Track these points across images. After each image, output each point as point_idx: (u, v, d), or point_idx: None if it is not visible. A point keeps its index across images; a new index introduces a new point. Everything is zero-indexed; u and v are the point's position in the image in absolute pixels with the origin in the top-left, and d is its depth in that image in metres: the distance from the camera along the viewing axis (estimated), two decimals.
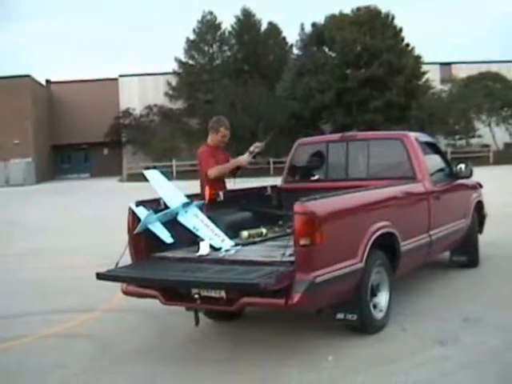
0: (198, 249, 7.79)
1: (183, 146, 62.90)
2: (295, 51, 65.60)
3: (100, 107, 71.35)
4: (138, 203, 7.91)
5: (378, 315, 7.94)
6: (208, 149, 9.69)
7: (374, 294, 7.90)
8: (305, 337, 7.88)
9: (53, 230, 21.95)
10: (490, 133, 62.53)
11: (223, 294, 6.88)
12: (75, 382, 6.95)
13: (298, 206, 6.73)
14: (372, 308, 7.80)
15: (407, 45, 59.42)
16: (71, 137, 73.16)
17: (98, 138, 70.33)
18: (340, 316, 7.59)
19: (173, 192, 8.50)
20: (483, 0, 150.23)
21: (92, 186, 52.69)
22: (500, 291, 9.85)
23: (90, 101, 72.58)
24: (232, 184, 9.82)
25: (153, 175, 8.85)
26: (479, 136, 62.28)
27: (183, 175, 52.45)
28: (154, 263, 7.80)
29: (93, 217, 25.70)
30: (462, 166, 10.83)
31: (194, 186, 9.82)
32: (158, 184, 8.64)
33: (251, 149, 9.77)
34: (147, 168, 9.40)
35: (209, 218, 8.36)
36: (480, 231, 11.99)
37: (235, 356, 7.41)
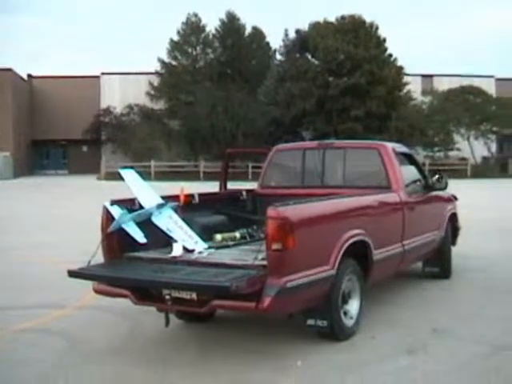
0: (171, 250, 7.81)
1: (163, 147, 62.82)
2: (278, 57, 65.68)
3: (81, 104, 71.05)
4: (113, 202, 7.91)
5: (349, 322, 7.98)
6: None
7: (345, 301, 7.93)
8: (275, 341, 7.90)
9: (30, 225, 21.87)
10: (469, 146, 62.90)
11: (194, 295, 6.91)
12: (44, 378, 6.92)
13: (271, 211, 6.76)
14: (343, 315, 7.84)
15: (390, 55, 59.54)
16: (51, 132, 72.76)
17: (78, 135, 69.94)
18: (311, 322, 7.62)
19: (148, 192, 8.50)
20: (467, 14, 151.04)
21: (70, 182, 52.46)
22: (470, 303, 9.94)
23: (71, 97, 72.26)
24: None
25: (129, 175, 8.83)
26: (458, 149, 62.57)
27: (162, 176, 52.49)
28: (126, 263, 7.80)
29: (71, 213, 25.62)
30: (438, 177, 10.91)
31: (173, 187, 9.81)
32: (134, 184, 8.63)
33: None
34: (124, 167, 9.36)
35: (183, 219, 8.38)
36: (453, 243, 12.08)
37: (206, 358, 7.41)
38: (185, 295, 6.95)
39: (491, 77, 73.64)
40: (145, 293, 7.33)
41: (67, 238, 17.64)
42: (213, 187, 11.09)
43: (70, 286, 9.39)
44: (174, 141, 63.42)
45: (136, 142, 62.17)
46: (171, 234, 8.13)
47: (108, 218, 7.82)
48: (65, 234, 18.84)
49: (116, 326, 8.90)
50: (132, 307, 7.92)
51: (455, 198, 12.33)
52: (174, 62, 67.95)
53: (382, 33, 59.83)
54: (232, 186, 11.24)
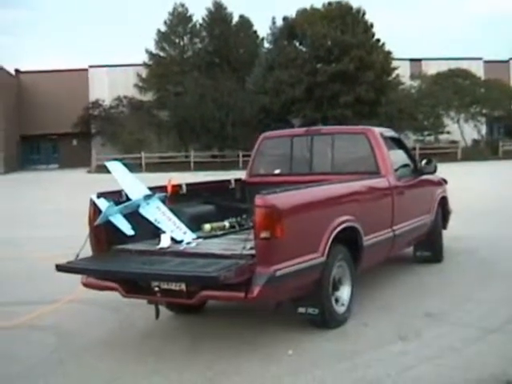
0: (160, 241, 7.76)
1: (153, 138, 62.71)
2: (266, 45, 65.34)
3: (69, 98, 70.52)
4: (100, 195, 7.85)
5: (340, 309, 7.95)
6: None
7: (335, 288, 7.90)
8: (266, 331, 7.88)
9: (20, 221, 21.71)
10: (459, 129, 62.96)
11: (183, 286, 6.85)
12: (33, 375, 6.86)
13: (258, 199, 6.72)
14: (334, 302, 7.81)
15: (378, 40, 59.53)
16: (40, 127, 72.26)
17: (67, 129, 69.60)
18: (301, 310, 7.60)
19: (135, 184, 8.44)
20: None
21: (61, 177, 52.28)
22: (462, 287, 9.92)
23: (60, 91, 71.72)
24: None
25: (115, 167, 8.79)
26: (448, 132, 62.62)
27: (152, 167, 52.47)
28: (114, 255, 7.75)
29: (61, 208, 25.48)
30: (427, 161, 10.88)
31: (164, 179, 9.77)
32: (120, 176, 8.58)
33: None
34: (114, 159, 9.35)
35: (171, 210, 8.34)
36: (444, 227, 12.06)
37: (196, 349, 7.38)
38: (174, 286, 6.90)
39: (479, 59, 73.69)
40: (133, 285, 7.28)
41: (62, 233, 17.47)
42: (204, 177, 11.01)
43: (62, 281, 9.31)
44: (164, 132, 63.38)
45: (126, 134, 62.03)
46: (159, 225, 8.07)
47: (95, 210, 7.76)
48: (60, 229, 18.69)
49: (107, 320, 8.85)
50: (123, 300, 7.87)
51: (445, 182, 12.30)
52: (161, 53, 67.82)
53: (369, 18, 59.86)
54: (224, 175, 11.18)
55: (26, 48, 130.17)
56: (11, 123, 68.62)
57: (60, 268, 7.48)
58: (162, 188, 8.83)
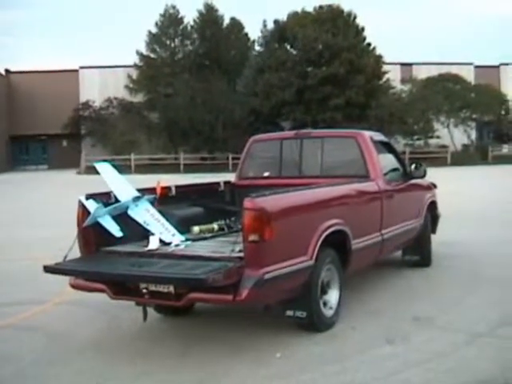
0: (148, 243, 7.74)
1: (142, 140, 62.61)
2: (257, 47, 65.42)
3: (60, 98, 70.45)
4: (88, 196, 7.82)
5: (328, 313, 7.95)
6: None
7: (324, 292, 7.89)
8: (254, 333, 7.86)
9: (10, 222, 21.65)
10: (449, 134, 63.13)
11: (171, 288, 6.84)
12: (23, 376, 6.85)
13: (247, 202, 6.70)
14: (322, 305, 7.80)
15: (368, 44, 59.63)
16: (30, 128, 72.13)
17: (57, 130, 69.46)
18: (289, 313, 7.58)
19: (124, 185, 8.42)
20: (445, 1, 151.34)
21: (50, 177, 52.15)
22: (451, 291, 9.91)
23: (50, 92, 71.64)
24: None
25: (104, 168, 8.76)
26: (438, 137, 62.80)
27: (142, 169, 52.35)
28: (102, 257, 7.72)
29: (50, 209, 25.44)
30: (416, 165, 10.88)
31: (153, 180, 9.75)
32: (109, 177, 8.55)
33: None
34: (104, 160, 9.31)
35: (160, 212, 8.32)
36: (433, 231, 12.06)
37: (185, 352, 7.36)
38: (162, 288, 6.88)
39: (470, 64, 73.99)
40: (122, 287, 7.25)
41: (52, 234, 17.43)
42: (193, 179, 10.98)
43: (51, 282, 9.29)
44: (154, 133, 63.30)
45: (116, 135, 61.94)
46: (148, 227, 8.05)
47: (83, 212, 7.73)
48: (49, 230, 18.63)
49: (95, 321, 8.82)
50: (112, 301, 7.81)
51: (434, 186, 12.32)
52: (152, 55, 67.70)
53: (360, 22, 59.95)
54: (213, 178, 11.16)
55: (23, 49, 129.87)
56: (0, 123, 68.45)
57: (48, 269, 7.44)
58: (151, 190, 8.81)
